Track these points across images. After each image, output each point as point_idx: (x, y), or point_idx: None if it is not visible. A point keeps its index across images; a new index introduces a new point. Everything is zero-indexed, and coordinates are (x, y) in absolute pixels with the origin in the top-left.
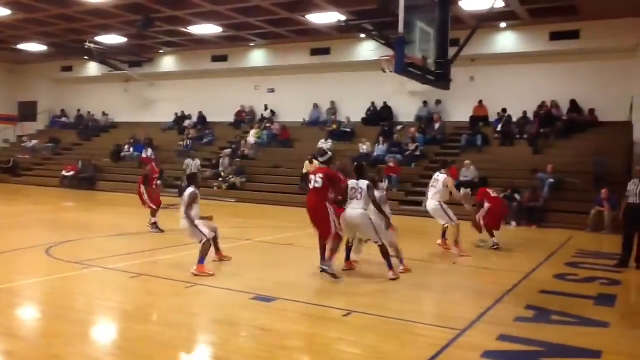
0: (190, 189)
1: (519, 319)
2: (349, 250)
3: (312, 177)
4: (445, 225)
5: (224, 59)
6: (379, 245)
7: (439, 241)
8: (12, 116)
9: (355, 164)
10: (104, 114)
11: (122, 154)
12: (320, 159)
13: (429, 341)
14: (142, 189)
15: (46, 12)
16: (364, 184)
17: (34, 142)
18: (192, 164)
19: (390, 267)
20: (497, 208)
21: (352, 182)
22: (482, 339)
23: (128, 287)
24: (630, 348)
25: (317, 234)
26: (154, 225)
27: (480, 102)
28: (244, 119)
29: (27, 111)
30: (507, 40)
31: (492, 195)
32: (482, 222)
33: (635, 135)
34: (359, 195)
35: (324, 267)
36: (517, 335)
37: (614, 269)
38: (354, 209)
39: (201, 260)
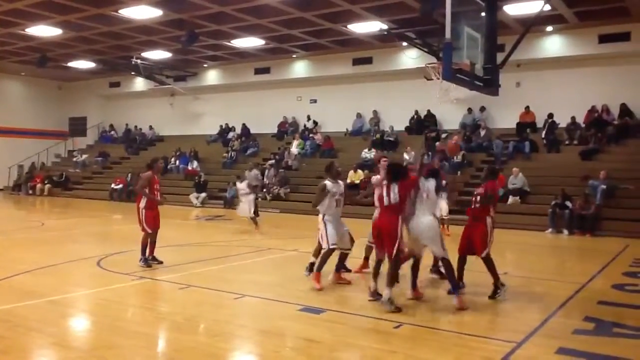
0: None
1: (578, 331)
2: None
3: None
4: None
5: (266, 71)
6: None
7: None
8: (63, 132)
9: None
10: (150, 127)
11: (169, 167)
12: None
13: (484, 354)
14: None
15: (94, 30)
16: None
17: (84, 156)
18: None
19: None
20: None
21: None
22: (540, 353)
23: (177, 298)
24: None
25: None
26: None
27: (527, 108)
28: (287, 130)
29: (77, 126)
30: (554, 44)
31: None
32: None
33: None
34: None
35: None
36: (577, 348)
37: None
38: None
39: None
